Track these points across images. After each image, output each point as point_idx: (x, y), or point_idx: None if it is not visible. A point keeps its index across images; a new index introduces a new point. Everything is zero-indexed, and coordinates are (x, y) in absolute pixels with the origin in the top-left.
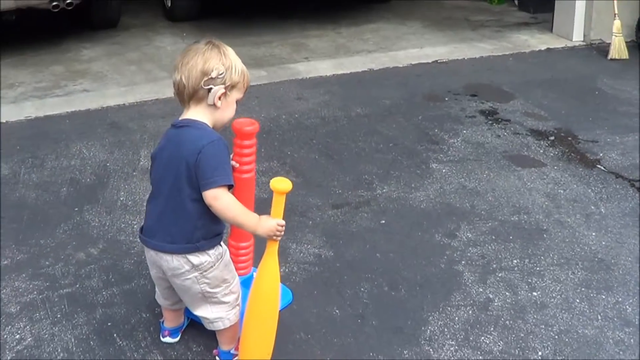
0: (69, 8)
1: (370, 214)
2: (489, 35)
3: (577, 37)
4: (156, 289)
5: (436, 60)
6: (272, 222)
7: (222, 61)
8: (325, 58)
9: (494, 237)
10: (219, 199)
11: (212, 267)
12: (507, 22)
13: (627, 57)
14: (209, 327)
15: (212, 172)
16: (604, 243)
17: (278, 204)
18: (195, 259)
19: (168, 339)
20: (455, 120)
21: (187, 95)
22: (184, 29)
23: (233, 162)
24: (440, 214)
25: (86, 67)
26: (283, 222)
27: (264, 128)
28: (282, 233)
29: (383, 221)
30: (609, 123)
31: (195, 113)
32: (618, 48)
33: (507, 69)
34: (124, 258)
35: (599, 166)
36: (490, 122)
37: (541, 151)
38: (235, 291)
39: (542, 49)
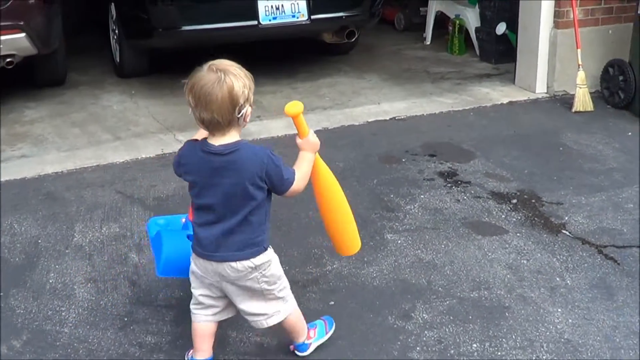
0: (9, 67)
1: (319, 294)
2: (449, 89)
3: (540, 89)
4: (194, 304)
5: (394, 117)
6: (313, 139)
7: (242, 83)
8: (278, 117)
9: (451, 318)
10: (298, 189)
11: (269, 265)
12: (468, 73)
13: (592, 108)
14: (264, 323)
15: (282, 176)
16: (570, 321)
17: (301, 124)
18: (258, 260)
19: None
20: (412, 183)
21: (223, 127)
22: (132, 86)
23: None
24: (395, 291)
25: (27, 130)
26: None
27: None
28: None
29: (332, 302)
30: (574, 182)
31: (232, 136)
32: (582, 100)
33: (467, 125)
34: (48, 351)
35: (564, 231)
36: (449, 185)
37: (503, 216)
38: (287, 286)
39: (504, 102)
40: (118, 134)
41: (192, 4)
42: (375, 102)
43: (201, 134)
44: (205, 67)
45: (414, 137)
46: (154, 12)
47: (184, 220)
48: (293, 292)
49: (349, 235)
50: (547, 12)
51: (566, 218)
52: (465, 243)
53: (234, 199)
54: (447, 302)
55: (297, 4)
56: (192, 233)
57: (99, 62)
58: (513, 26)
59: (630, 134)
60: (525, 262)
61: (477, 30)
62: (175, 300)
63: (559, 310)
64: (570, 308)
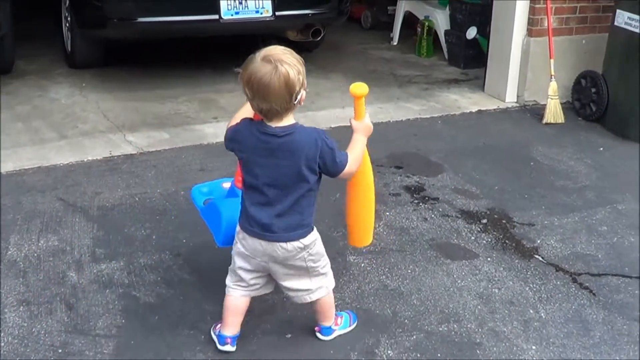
0: None
1: (275, 324)
2: (416, 94)
3: (510, 98)
4: (234, 281)
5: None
6: (367, 123)
7: (296, 70)
8: None
9: (419, 355)
10: (351, 171)
11: (315, 244)
12: (436, 78)
13: (563, 120)
14: (306, 298)
15: (335, 158)
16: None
17: (361, 106)
18: (307, 240)
19: (228, 347)
20: (377, 199)
21: (281, 113)
22: (83, 78)
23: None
24: (358, 324)
25: None
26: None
27: (158, 207)
28: None
29: (289, 335)
30: (546, 201)
31: (288, 119)
32: (554, 112)
33: (435, 135)
34: None
35: (536, 256)
36: (416, 201)
37: (473, 238)
38: (328, 262)
39: (473, 110)
40: (64, 131)
41: None
42: (340, 106)
43: (246, 111)
44: (259, 57)
45: (380, 146)
46: (107, 1)
47: (226, 185)
48: (247, 322)
49: (369, 225)
50: (520, 20)
51: (538, 241)
52: (433, 268)
53: (288, 181)
54: (414, 337)
55: None
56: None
57: (49, 50)
58: (484, 31)
59: (601, 149)
60: (496, 291)
61: (446, 33)
62: (117, 329)
63: (534, 347)
64: (545, 345)
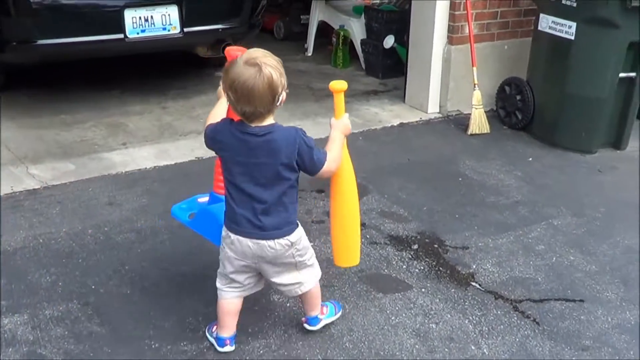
0: None
1: (267, 322)
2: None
3: (433, 109)
4: (225, 284)
5: None
6: (346, 121)
7: (278, 73)
8: (146, 143)
9: None
10: (330, 170)
11: (301, 239)
12: (354, 90)
13: (489, 130)
14: (297, 291)
15: (313, 157)
16: None
17: (340, 103)
18: (293, 237)
19: (228, 348)
20: None
21: (263, 115)
22: None
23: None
24: None
25: None
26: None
27: (64, 249)
28: None
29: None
30: (478, 220)
31: (268, 120)
32: (479, 122)
33: (357, 152)
34: None
35: (473, 283)
36: None
37: (404, 267)
38: (313, 253)
39: (395, 124)
40: None
41: (49, 15)
42: None
43: (222, 109)
44: (241, 61)
45: None
46: (5, 24)
47: (203, 199)
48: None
49: (355, 242)
50: (440, 27)
51: (474, 266)
52: (365, 304)
53: (269, 179)
54: None
55: (169, 15)
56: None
57: None
58: (401, 39)
59: (530, 159)
60: (434, 326)
61: (362, 42)
62: None
63: None
64: None
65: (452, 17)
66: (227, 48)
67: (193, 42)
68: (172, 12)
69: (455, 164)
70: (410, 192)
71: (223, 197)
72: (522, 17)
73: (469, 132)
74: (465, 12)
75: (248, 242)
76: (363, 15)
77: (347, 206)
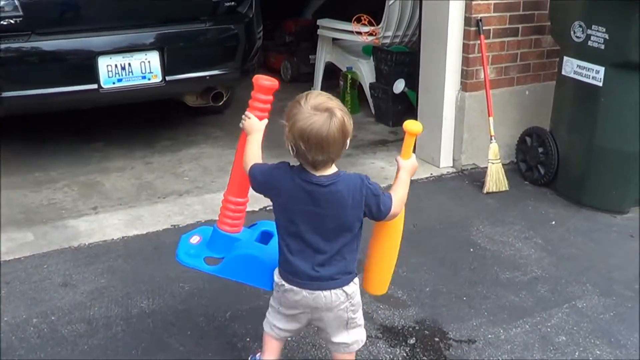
0: None
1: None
2: (337, 163)
3: (445, 163)
4: (274, 324)
5: (265, 207)
6: (414, 162)
7: (348, 115)
8: (119, 208)
9: None
10: (396, 213)
11: (356, 293)
12: (361, 140)
13: (507, 188)
14: (345, 351)
15: (379, 204)
16: None
17: (410, 144)
18: (349, 288)
19: None
20: None
21: (333, 162)
22: None
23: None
24: None
25: None
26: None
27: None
28: None
29: None
30: (489, 304)
31: (332, 167)
32: (496, 178)
33: None
34: None
35: None
36: None
37: None
38: (361, 312)
39: None
40: None
41: (13, 64)
42: None
43: (256, 151)
44: (307, 107)
45: None
46: None
47: (195, 239)
48: None
49: (390, 272)
50: (452, 72)
51: None
52: None
53: (332, 231)
54: None
55: (149, 62)
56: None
57: None
58: (413, 83)
59: (554, 222)
60: None
61: (371, 86)
62: None
63: None
64: None
65: (465, 61)
66: (256, 76)
67: (177, 92)
68: (152, 59)
69: (467, 230)
70: (413, 267)
71: (227, 234)
72: (544, 58)
73: (485, 190)
74: (480, 54)
75: (303, 292)
76: (372, 56)
77: (392, 238)
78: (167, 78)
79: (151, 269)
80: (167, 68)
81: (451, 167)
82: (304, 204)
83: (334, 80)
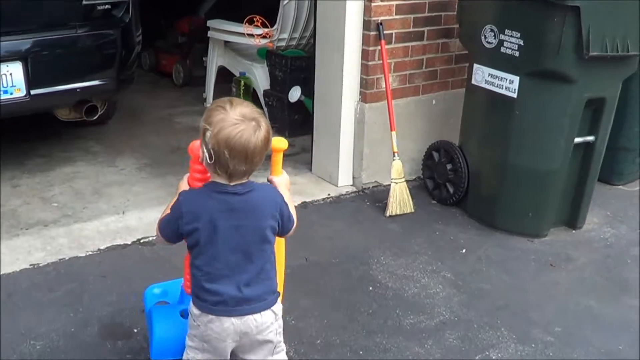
0: None
1: None
2: None
3: (344, 181)
4: None
5: (139, 240)
6: (286, 177)
7: (269, 126)
8: None
9: None
10: (294, 227)
11: (280, 313)
12: None
13: (412, 209)
14: None
15: (289, 213)
16: None
17: (279, 161)
18: (277, 307)
19: None
20: None
21: (251, 173)
22: None
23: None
24: None
25: None
26: None
27: None
28: None
29: None
30: (389, 358)
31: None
32: (400, 199)
33: None
34: None
35: None
36: None
37: None
38: None
39: (296, 204)
40: None
41: None
42: (119, 211)
43: (184, 185)
44: (234, 112)
45: (167, 275)
46: None
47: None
48: None
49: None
50: (350, 81)
51: None
52: None
53: (252, 244)
54: None
55: (10, 75)
56: (187, 307)
57: None
58: (311, 91)
59: (464, 251)
60: None
61: (265, 94)
62: None
63: None
64: None
65: (364, 69)
66: (191, 146)
67: (44, 106)
68: (14, 71)
69: (366, 264)
70: (302, 313)
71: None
72: (453, 64)
73: (388, 213)
74: (381, 61)
75: (231, 319)
76: (266, 60)
77: (282, 253)
78: (32, 92)
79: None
80: (32, 81)
81: (351, 185)
82: (222, 218)
83: (230, 85)
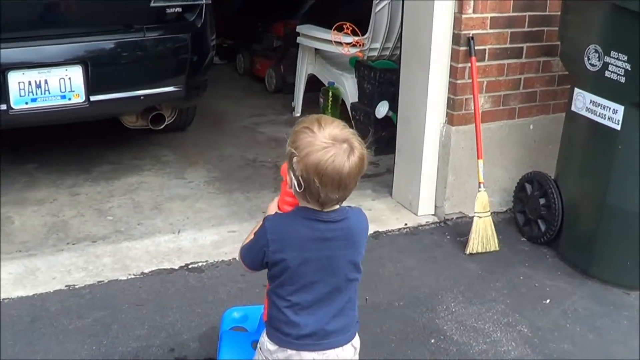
0: None
1: None
2: None
3: (425, 210)
4: None
5: (187, 265)
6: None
7: (367, 154)
8: (17, 255)
9: None
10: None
11: (359, 346)
12: None
13: (497, 247)
14: None
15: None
16: None
17: None
18: (357, 341)
19: None
20: None
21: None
22: None
23: None
24: None
25: None
26: None
27: None
28: None
29: None
30: None
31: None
32: (483, 236)
33: None
34: None
35: None
36: None
37: None
38: None
39: (369, 232)
40: None
41: None
42: (175, 230)
43: (273, 208)
44: (322, 134)
45: (207, 309)
46: None
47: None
48: None
49: None
50: (436, 101)
51: None
52: None
53: (342, 274)
54: None
55: (69, 79)
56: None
57: None
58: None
59: (548, 301)
60: None
61: (353, 107)
62: None
63: None
64: None
65: (452, 88)
66: (283, 167)
67: (105, 113)
68: (74, 75)
69: (433, 310)
70: None
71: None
72: (555, 85)
73: (468, 250)
74: (471, 80)
75: (313, 354)
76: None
77: None
78: (92, 98)
79: (13, 353)
80: (92, 86)
81: (432, 214)
82: (313, 248)
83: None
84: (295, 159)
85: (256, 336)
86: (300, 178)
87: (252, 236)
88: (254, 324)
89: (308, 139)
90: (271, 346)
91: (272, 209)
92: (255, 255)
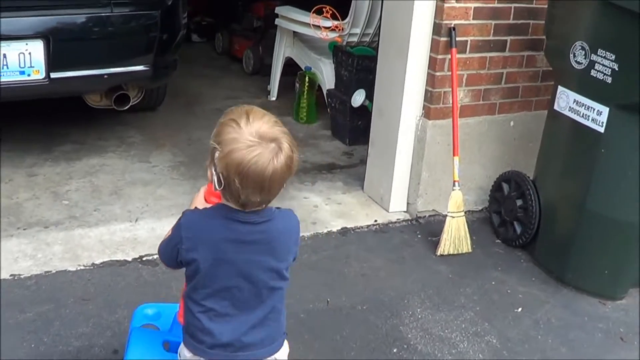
0: None
1: None
2: None
3: (397, 206)
4: None
5: (141, 257)
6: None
7: (295, 148)
8: None
9: None
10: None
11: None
12: (304, 161)
13: (469, 249)
14: None
15: (296, 253)
16: None
17: None
18: (282, 353)
19: None
20: None
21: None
22: None
23: None
24: None
25: None
26: None
27: None
28: None
29: None
30: None
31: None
32: (455, 237)
33: None
34: None
35: None
36: None
37: None
38: None
39: (335, 229)
40: None
41: None
42: (132, 218)
43: (199, 199)
44: (249, 129)
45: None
46: None
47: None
48: None
49: None
50: (413, 93)
51: None
52: None
53: (262, 281)
54: None
55: (29, 54)
56: (173, 339)
57: None
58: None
59: (519, 309)
60: None
61: (329, 94)
62: None
63: None
64: None
65: (430, 80)
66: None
67: (66, 91)
68: (34, 50)
69: (398, 316)
70: None
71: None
72: (539, 81)
73: (438, 252)
74: (450, 72)
75: None
76: (333, 57)
77: None
78: (52, 75)
79: None
80: (53, 62)
81: (404, 211)
82: (230, 251)
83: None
84: (217, 155)
85: (168, 335)
86: (220, 175)
87: (170, 232)
88: (167, 323)
89: (233, 134)
90: (187, 354)
91: (198, 201)
92: (170, 253)
